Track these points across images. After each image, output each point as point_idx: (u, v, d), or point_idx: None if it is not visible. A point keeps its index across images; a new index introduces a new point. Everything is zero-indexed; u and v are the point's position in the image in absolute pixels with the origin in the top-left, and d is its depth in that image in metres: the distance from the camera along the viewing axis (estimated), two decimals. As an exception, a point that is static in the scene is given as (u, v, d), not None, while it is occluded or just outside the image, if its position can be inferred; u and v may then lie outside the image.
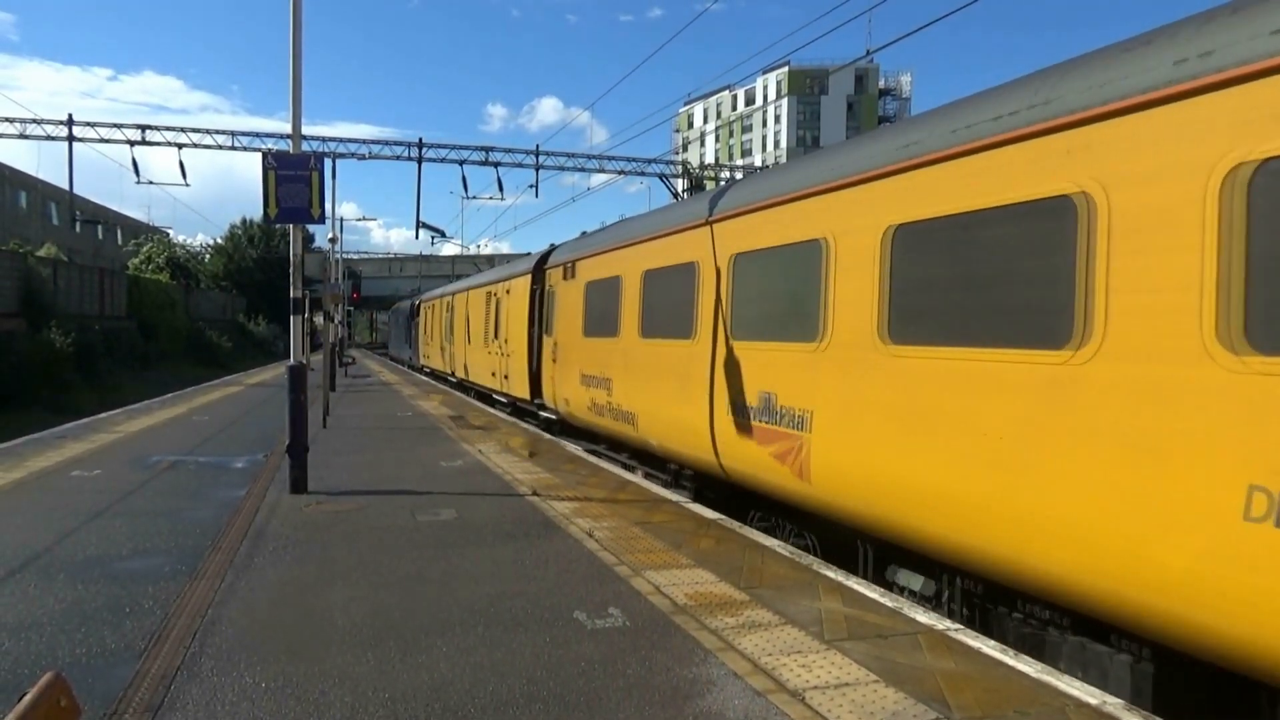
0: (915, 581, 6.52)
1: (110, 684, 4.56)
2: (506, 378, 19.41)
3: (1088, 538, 4.67)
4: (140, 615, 5.67)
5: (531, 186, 37.78)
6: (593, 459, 12.79)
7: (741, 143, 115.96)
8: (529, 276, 17.37)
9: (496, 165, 36.42)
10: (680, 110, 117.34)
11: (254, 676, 4.70)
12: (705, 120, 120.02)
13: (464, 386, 26.91)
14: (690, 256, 9.69)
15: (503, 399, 20.76)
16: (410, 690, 4.51)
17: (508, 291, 19.75)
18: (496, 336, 20.64)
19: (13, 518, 8.54)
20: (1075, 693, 4.43)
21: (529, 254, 20.46)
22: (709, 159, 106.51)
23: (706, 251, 9.25)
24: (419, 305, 40.38)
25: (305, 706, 4.33)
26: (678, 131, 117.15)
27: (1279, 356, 3.88)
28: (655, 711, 4.27)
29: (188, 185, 33.78)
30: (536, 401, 16.68)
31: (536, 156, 37.06)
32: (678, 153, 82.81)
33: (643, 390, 10.86)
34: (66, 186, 34.76)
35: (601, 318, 12.49)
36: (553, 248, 16.82)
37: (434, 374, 34.64)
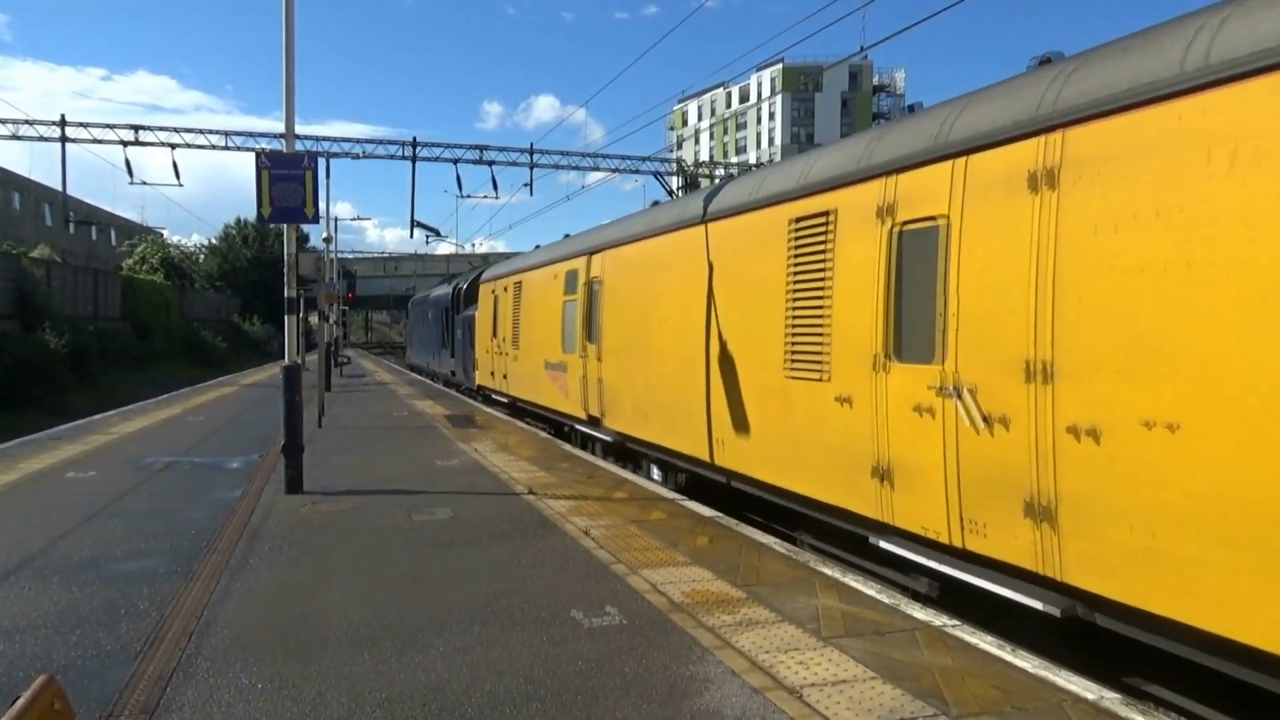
0: None
1: (106, 686, 4.54)
2: None
3: None
4: (136, 617, 5.65)
5: (526, 185, 37.70)
6: (589, 457, 12.76)
7: (736, 140, 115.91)
8: None
9: (491, 164, 36.33)
10: (674, 108, 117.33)
11: (250, 677, 4.68)
12: (699, 118, 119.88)
13: (627, 452, 12.36)
14: None
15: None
16: (407, 690, 4.50)
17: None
18: (956, 353, 5.91)
19: (7, 520, 8.50)
20: (1073, 688, 4.44)
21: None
22: (703, 156, 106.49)
23: None
24: (469, 289, 25.73)
25: (302, 707, 4.31)
26: (671, 129, 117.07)
27: None
28: (653, 709, 4.26)
29: (181, 185, 33.50)
30: None
31: (531, 155, 36.98)
32: (672, 150, 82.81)
33: None
34: (60, 187, 34.57)
35: None
36: None
37: (517, 407, 18.71)
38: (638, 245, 11.78)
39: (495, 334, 20.57)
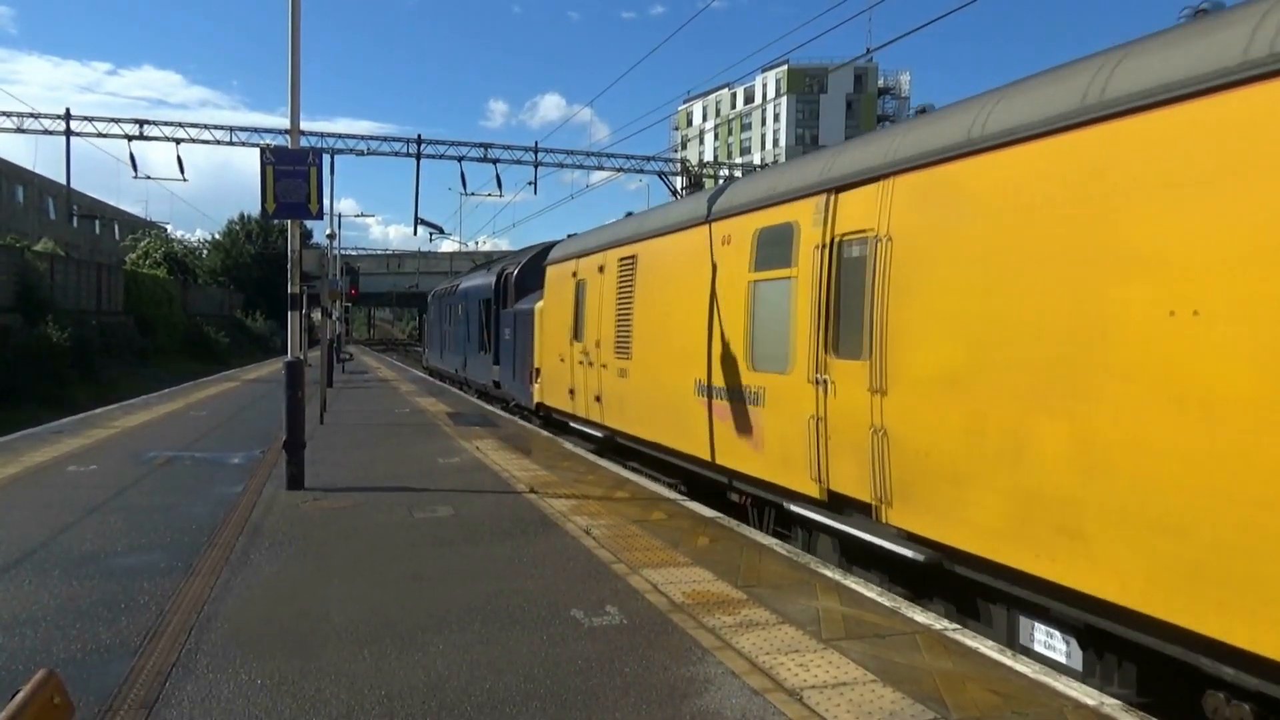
0: None
1: (105, 680, 4.53)
2: None
3: None
4: (136, 611, 5.65)
5: (530, 183, 37.75)
6: (590, 457, 12.76)
7: (740, 141, 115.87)
8: None
9: (495, 162, 36.41)
10: (679, 108, 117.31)
11: (250, 673, 4.68)
12: (704, 118, 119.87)
13: (947, 581, 6.10)
14: None
15: None
16: (406, 688, 4.49)
17: None
18: None
19: (8, 513, 8.51)
20: (1073, 693, 4.42)
21: None
22: (708, 157, 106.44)
23: None
24: (522, 275, 20.10)
25: (301, 704, 4.31)
26: (676, 129, 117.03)
27: None
28: (652, 710, 4.26)
29: (185, 180, 33.61)
30: None
31: (535, 153, 37.04)
32: (676, 150, 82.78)
33: None
34: (64, 181, 34.66)
35: None
36: None
37: (617, 445, 12.67)
38: (1036, 147, 5.17)
39: (579, 335, 14.13)
